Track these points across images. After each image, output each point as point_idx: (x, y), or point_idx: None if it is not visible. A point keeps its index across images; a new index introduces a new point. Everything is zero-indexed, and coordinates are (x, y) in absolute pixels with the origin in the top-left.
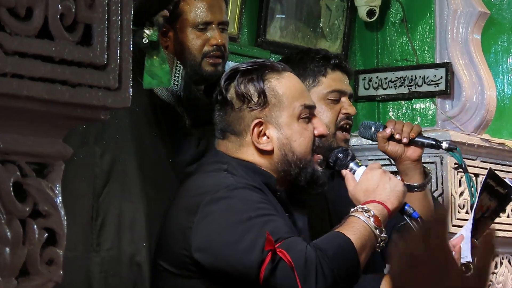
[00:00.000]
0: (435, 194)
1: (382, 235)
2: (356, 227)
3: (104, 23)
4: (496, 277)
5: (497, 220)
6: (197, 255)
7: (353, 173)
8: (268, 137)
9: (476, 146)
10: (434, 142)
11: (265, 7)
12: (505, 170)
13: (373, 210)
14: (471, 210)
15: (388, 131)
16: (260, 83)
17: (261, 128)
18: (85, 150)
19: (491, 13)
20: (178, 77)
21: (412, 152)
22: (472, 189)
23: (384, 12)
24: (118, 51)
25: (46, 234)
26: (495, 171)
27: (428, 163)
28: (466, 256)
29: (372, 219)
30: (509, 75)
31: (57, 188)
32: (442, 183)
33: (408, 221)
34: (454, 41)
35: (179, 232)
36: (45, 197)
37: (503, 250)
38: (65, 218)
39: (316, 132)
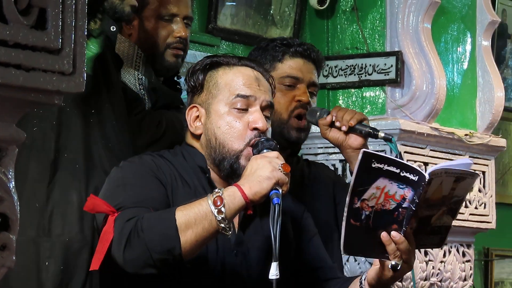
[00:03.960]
0: None
1: (219, 216)
2: (192, 205)
3: (59, 7)
4: (444, 265)
5: None
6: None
7: None
8: (202, 123)
9: (425, 134)
10: (371, 131)
11: None
12: (454, 159)
13: (223, 192)
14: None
15: (328, 118)
16: (204, 72)
17: (197, 113)
18: (41, 135)
19: (442, 2)
20: (139, 62)
21: (354, 140)
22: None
23: (335, 0)
24: (73, 35)
25: None
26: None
27: (378, 151)
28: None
29: (213, 199)
30: (459, 64)
31: (10, 173)
32: None
33: (272, 206)
34: (404, 29)
35: None
36: None
37: (451, 239)
38: (18, 203)
39: (252, 125)
